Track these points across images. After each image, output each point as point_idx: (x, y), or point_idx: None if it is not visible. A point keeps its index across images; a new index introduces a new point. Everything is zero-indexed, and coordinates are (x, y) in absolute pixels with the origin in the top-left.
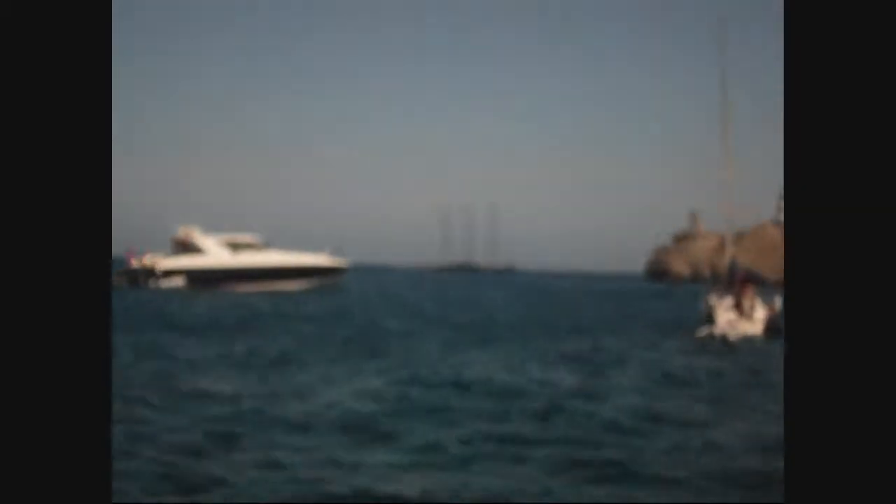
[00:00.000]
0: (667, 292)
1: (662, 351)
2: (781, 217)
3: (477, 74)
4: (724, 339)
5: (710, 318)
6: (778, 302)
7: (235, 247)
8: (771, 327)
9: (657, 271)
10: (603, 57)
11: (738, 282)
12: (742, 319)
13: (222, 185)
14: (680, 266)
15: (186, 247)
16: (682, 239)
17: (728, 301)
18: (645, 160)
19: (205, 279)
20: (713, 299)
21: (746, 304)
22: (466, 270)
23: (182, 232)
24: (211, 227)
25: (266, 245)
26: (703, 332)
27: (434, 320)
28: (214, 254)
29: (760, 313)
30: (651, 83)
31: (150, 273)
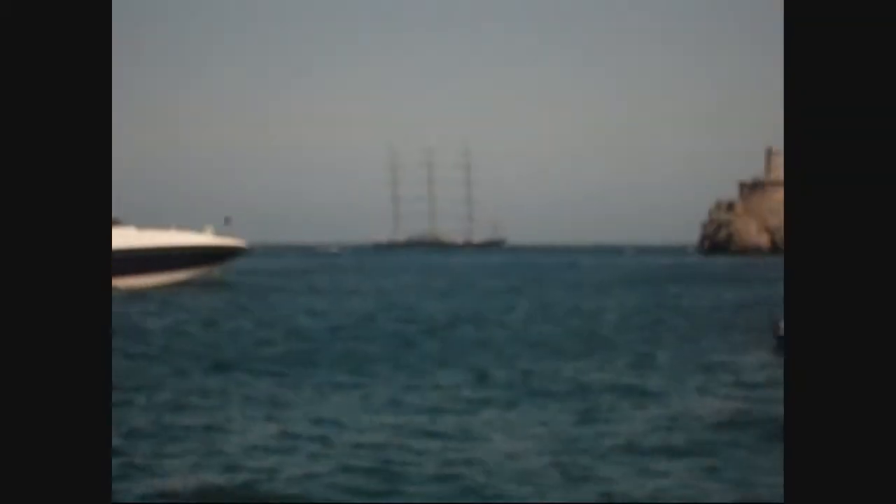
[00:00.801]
0: (734, 271)
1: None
2: None
3: None
4: None
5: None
6: None
7: None
8: None
9: (717, 241)
10: None
11: None
12: None
13: None
14: (750, 231)
15: None
16: (752, 189)
17: None
18: (695, 92)
19: None
20: None
21: None
22: (429, 246)
23: None
24: None
25: (117, 221)
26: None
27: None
28: None
29: None
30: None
31: None
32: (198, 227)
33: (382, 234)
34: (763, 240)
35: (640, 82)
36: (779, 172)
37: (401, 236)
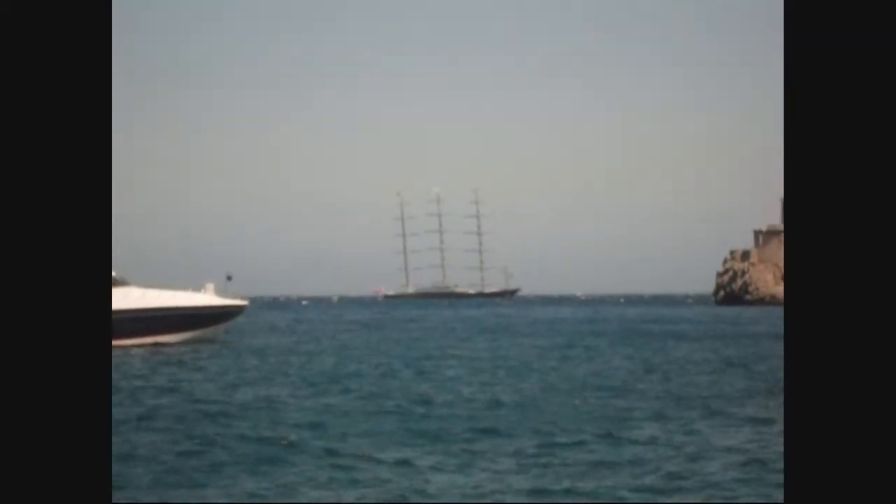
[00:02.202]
0: (752, 320)
1: None
2: None
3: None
4: None
5: None
6: None
7: None
8: None
9: (732, 291)
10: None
11: None
12: None
13: None
14: (767, 281)
15: None
16: (767, 238)
17: None
18: (707, 138)
19: None
20: None
21: None
22: (440, 297)
23: None
24: None
25: (123, 281)
26: None
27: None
28: None
29: None
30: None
31: None
32: (198, 285)
33: (392, 287)
34: (780, 290)
35: (653, 129)
36: None
37: (411, 288)
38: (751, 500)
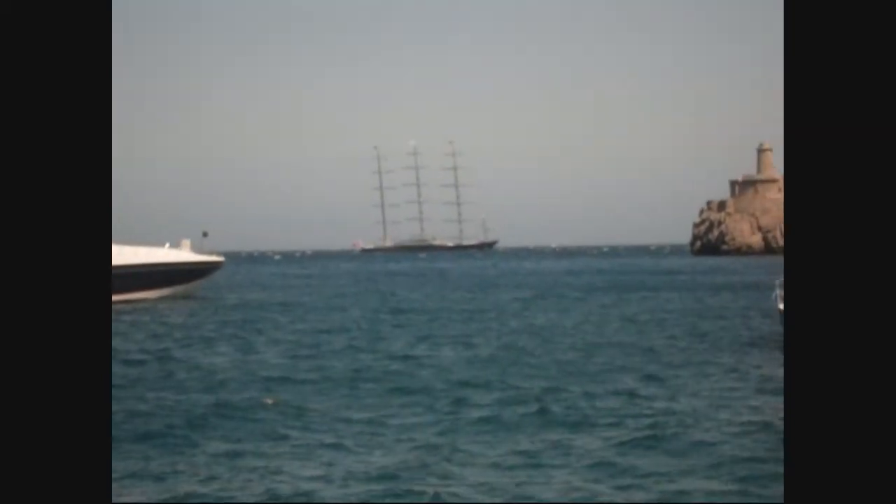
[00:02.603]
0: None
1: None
2: None
3: None
4: None
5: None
6: None
7: None
8: None
9: (709, 241)
10: None
11: None
12: None
13: None
14: (742, 231)
15: None
16: (743, 188)
17: None
18: (685, 88)
19: None
20: None
21: None
22: (418, 250)
23: None
24: None
25: None
26: None
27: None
28: None
29: None
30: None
31: None
32: (174, 242)
33: (370, 241)
34: (755, 239)
35: (631, 85)
36: (770, 170)
37: (388, 241)
38: (751, 500)
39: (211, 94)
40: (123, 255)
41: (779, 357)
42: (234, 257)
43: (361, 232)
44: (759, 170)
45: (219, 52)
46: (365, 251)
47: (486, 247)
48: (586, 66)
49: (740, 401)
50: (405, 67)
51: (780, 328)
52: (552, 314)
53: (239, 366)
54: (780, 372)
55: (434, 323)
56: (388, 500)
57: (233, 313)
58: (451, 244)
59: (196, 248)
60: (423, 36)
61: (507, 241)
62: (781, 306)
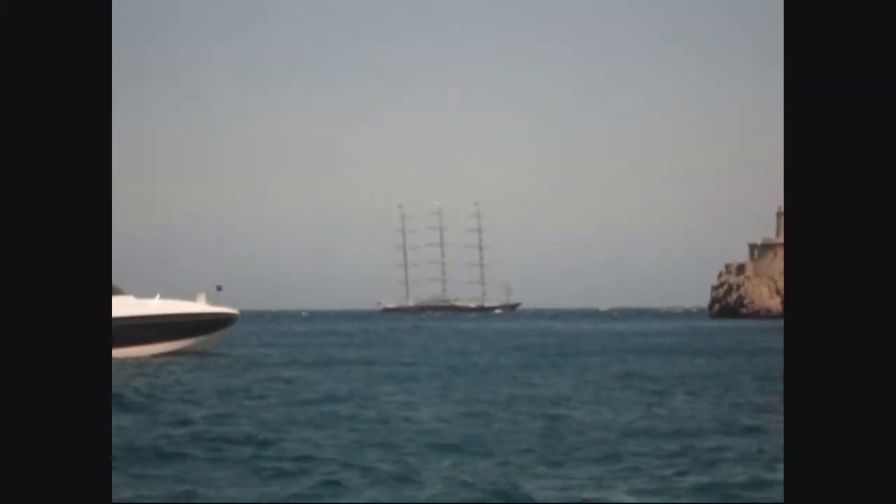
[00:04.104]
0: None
1: None
2: None
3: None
4: None
5: None
6: None
7: None
8: None
9: (728, 304)
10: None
11: None
12: None
13: None
14: (762, 294)
15: None
16: (763, 251)
17: None
18: (705, 153)
19: None
20: None
21: None
22: (441, 310)
23: None
24: None
25: (118, 290)
26: None
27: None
28: None
29: None
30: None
31: None
32: (191, 296)
33: (392, 300)
34: (774, 303)
35: (651, 143)
36: None
37: (411, 301)
38: (750, 501)
39: (232, 145)
40: (141, 307)
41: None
42: (258, 315)
43: (383, 291)
44: (777, 233)
45: (239, 101)
46: (387, 310)
47: (509, 308)
48: (609, 121)
49: None
50: (429, 125)
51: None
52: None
53: None
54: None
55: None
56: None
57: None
58: (473, 305)
59: (211, 302)
60: (446, 95)
61: (529, 302)
62: None
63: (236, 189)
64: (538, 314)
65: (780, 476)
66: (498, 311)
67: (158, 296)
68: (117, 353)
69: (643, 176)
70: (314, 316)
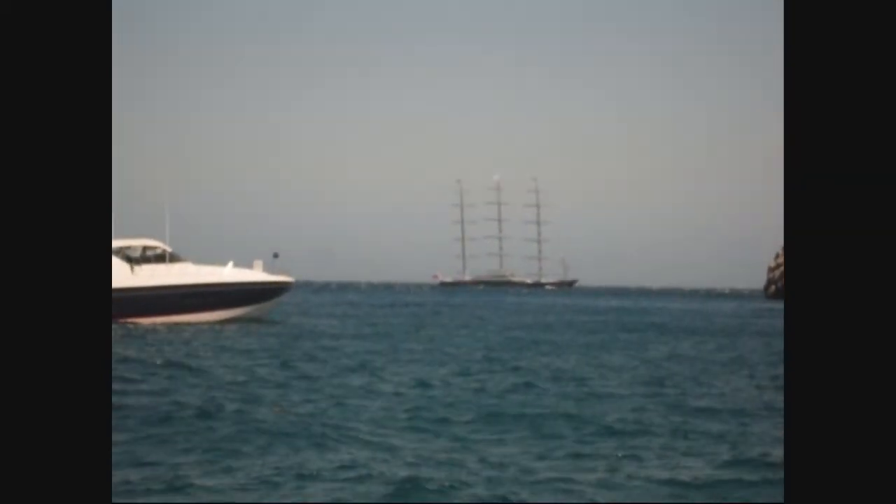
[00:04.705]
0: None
1: None
2: None
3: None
4: None
5: None
6: None
7: (133, 258)
8: None
9: (783, 287)
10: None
11: None
12: None
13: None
14: None
15: None
16: None
17: None
18: (754, 135)
19: None
20: None
21: None
22: (497, 285)
23: None
24: None
25: (176, 256)
26: None
27: None
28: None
29: None
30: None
31: None
32: (247, 263)
33: (449, 274)
34: None
35: (714, 126)
36: None
37: (468, 275)
38: (750, 500)
39: (298, 125)
40: (201, 274)
41: None
42: (324, 286)
43: (441, 264)
44: (783, 220)
45: (303, 79)
46: (444, 284)
47: (566, 285)
48: (663, 105)
49: None
50: (488, 101)
51: None
52: None
53: None
54: None
55: None
56: (388, 501)
57: None
58: (529, 281)
59: (267, 270)
60: (507, 72)
61: (586, 279)
62: None
63: (296, 165)
64: (594, 292)
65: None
66: (549, 287)
67: (231, 264)
68: (173, 318)
69: (704, 160)
70: (373, 288)
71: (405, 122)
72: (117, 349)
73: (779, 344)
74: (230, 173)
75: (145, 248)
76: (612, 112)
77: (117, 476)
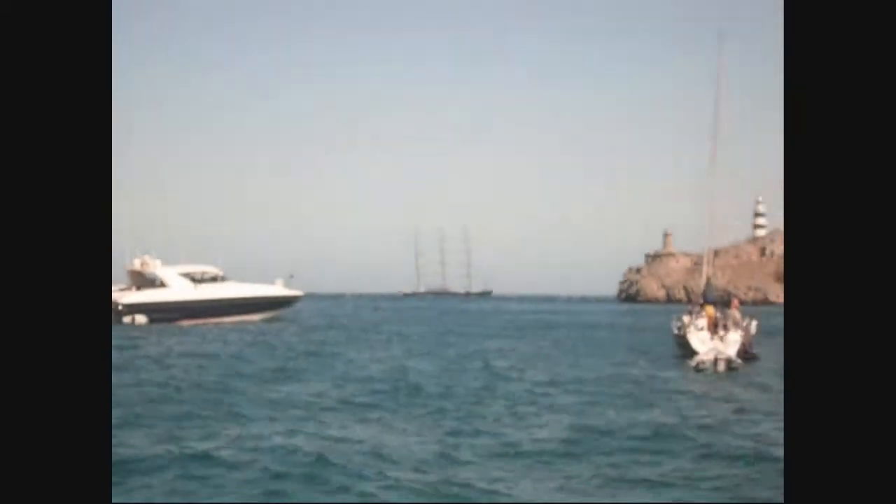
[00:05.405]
0: (636, 314)
1: (686, 381)
2: (758, 234)
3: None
4: (728, 364)
5: (682, 341)
6: (753, 324)
7: (196, 279)
8: (745, 350)
9: (630, 293)
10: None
11: (709, 303)
12: (716, 340)
13: (159, 213)
14: (652, 288)
15: (143, 278)
16: (653, 259)
17: (700, 321)
18: (624, 181)
19: (167, 315)
20: (685, 320)
21: (721, 325)
22: (440, 295)
23: (139, 262)
24: (162, 257)
25: (224, 278)
26: (696, 360)
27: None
28: (178, 287)
29: (734, 335)
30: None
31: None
32: (270, 280)
33: (408, 287)
34: (661, 294)
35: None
36: (671, 248)
37: (422, 288)
38: (750, 501)
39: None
40: (240, 289)
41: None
42: (320, 296)
43: (404, 281)
44: (663, 247)
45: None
46: (406, 294)
47: (486, 294)
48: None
49: None
50: (432, 158)
51: (675, 346)
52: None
53: None
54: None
55: None
56: (391, 501)
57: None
58: (462, 292)
59: (286, 285)
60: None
61: (498, 290)
62: (675, 332)
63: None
64: (505, 298)
65: None
66: (473, 295)
67: (280, 281)
68: (225, 320)
69: (577, 193)
70: (357, 297)
71: (376, 175)
72: (197, 340)
73: (621, 334)
74: (261, 217)
75: (204, 273)
76: (516, 171)
77: None
